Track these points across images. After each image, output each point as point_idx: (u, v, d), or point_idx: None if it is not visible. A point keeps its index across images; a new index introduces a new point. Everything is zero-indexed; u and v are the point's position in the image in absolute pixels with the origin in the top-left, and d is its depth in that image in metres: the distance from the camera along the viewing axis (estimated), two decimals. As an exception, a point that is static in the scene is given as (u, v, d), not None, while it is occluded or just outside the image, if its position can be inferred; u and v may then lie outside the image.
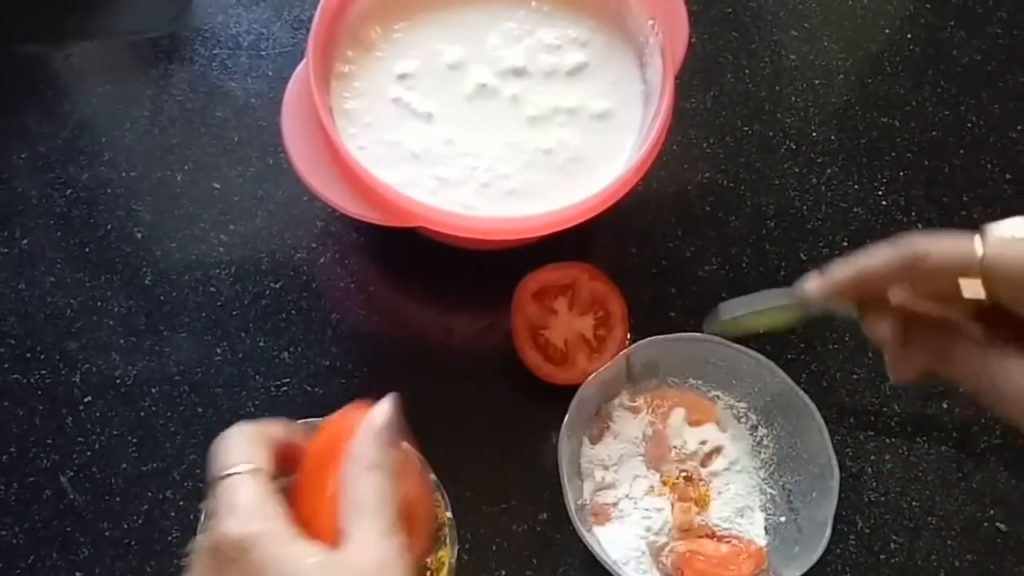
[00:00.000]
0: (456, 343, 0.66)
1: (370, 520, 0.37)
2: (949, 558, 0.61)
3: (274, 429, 0.42)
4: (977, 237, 0.39)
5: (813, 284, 0.45)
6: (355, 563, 0.36)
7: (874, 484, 0.63)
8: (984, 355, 0.41)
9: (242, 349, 0.64)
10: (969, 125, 0.75)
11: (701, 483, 0.62)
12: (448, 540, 0.54)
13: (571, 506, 0.57)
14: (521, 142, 0.64)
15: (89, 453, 0.61)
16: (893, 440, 0.64)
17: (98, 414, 0.62)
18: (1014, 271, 0.39)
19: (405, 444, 0.41)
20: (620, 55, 0.66)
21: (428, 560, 0.56)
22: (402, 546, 0.37)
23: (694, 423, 0.63)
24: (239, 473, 0.38)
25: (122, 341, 0.64)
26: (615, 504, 0.60)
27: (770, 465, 0.63)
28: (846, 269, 0.44)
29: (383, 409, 0.41)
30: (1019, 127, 0.75)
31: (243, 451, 0.39)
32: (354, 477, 0.39)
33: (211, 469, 0.39)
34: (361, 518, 0.37)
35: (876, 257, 0.42)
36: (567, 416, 0.59)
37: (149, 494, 0.60)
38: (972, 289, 0.40)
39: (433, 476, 0.55)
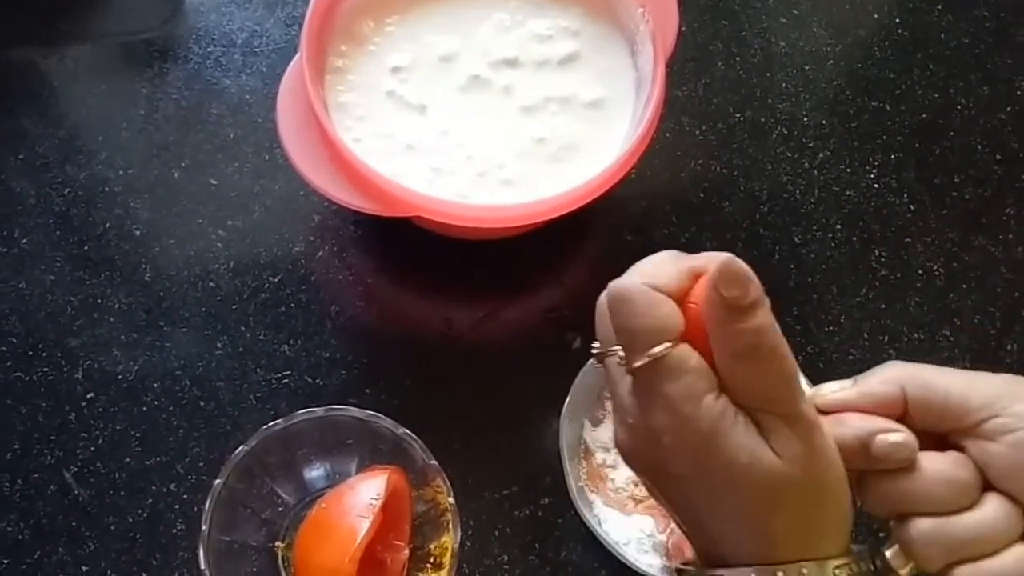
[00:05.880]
0: (455, 332, 0.66)
1: (773, 407, 0.38)
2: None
3: (659, 277, 0.39)
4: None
5: None
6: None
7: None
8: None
9: (242, 343, 0.65)
10: (959, 107, 0.76)
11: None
12: (451, 526, 0.55)
13: (573, 489, 0.57)
14: (515, 132, 0.64)
15: (92, 449, 0.62)
16: (889, 419, 0.65)
17: (100, 410, 0.62)
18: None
19: None
20: (611, 44, 0.67)
21: (431, 546, 0.57)
22: (810, 415, 0.38)
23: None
24: (664, 354, 0.37)
25: (123, 337, 0.65)
26: (616, 486, 0.61)
27: (768, 447, 0.63)
28: None
29: (722, 272, 0.37)
30: (1008, 108, 0.76)
31: (651, 322, 0.37)
32: (730, 369, 0.38)
33: (624, 336, 0.38)
34: (764, 405, 0.38)
35: None
36: (567, 399, 0.59)
37: (153, 488, 0.61)
38: None
39: (435, 462, 0.56)
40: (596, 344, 0.41)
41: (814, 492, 0.38)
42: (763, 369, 0.37)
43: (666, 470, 0.39)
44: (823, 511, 0.39)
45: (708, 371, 0.38)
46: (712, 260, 0.38)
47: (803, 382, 0.43)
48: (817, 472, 0.38)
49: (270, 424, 0.56)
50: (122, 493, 0.60)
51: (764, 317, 0.37)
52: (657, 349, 0.37)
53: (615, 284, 0.39)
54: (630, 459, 0.42)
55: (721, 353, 0.37)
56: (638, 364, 0.38)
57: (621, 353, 0.39)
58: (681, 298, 0.39)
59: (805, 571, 0.37)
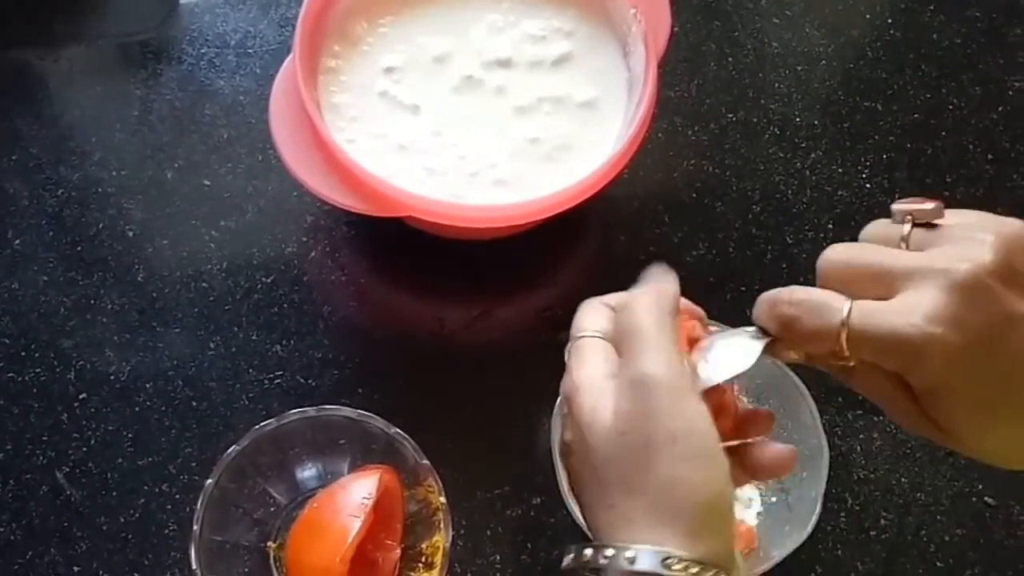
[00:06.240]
0: (447, 332, 0.66)
1: (624, 360, 0.40)
2: (939, 533, 0.62)
3: (614, 297, 0.45)
4: (846, 304, 0.39)
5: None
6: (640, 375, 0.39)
7: (863, 462, 0.64)
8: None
9: (235, 343, 0.65)
10: (950, 107, 0.76)
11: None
12: (442, 525, 0.55)
13: (564, 489, 0.57)
14: (507, 132, 0.64)
15: (85, 449, 0.62)
16: (881, 418, 0.65)
17: (93, 410, 0.63)
18: (874, 342, 0.38)
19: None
20: (604, 44, 0.67)
21: (423, 546, 0.57)
22: (654, 373, 0.39)
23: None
24: (584, 337, 0.43)
25: (115, 338, 0.65)
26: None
27: (761, 447, 0.63)
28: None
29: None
30: (999, 108, 0.76)
31: (590, 319, 0.44)
32: (631, 307, 0.42)
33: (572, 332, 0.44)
34: (634, 341, 0.40)
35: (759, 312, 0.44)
36: (559, 398, 0.59)
37: (145, 488, 0.61)
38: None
39: (426, 462, 0.56)
40: None
41: (637, 449, 0.38)
42: (624, 318, 0.42)
43: (566, 445, 0.42)
44: (658, 480, 0.37)
45: (608, 359, 0.42)
46: None
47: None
48: (643, 426, 0.38)
49: (262, 424, 0.56)
50: (114, 493, 0.61)
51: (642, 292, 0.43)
52: (577, 334, 0.43)
53: None
54: (564, 457, 0.44)
55: None
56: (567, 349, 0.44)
57: None
58: None
59: (628, 555, 0.36)
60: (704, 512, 0.37)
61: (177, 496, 0.61)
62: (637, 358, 0.39)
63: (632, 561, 0.36)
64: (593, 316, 0.44)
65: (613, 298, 0.45)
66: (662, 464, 0.38)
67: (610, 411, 0.39)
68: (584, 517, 0.42)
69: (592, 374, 0.41)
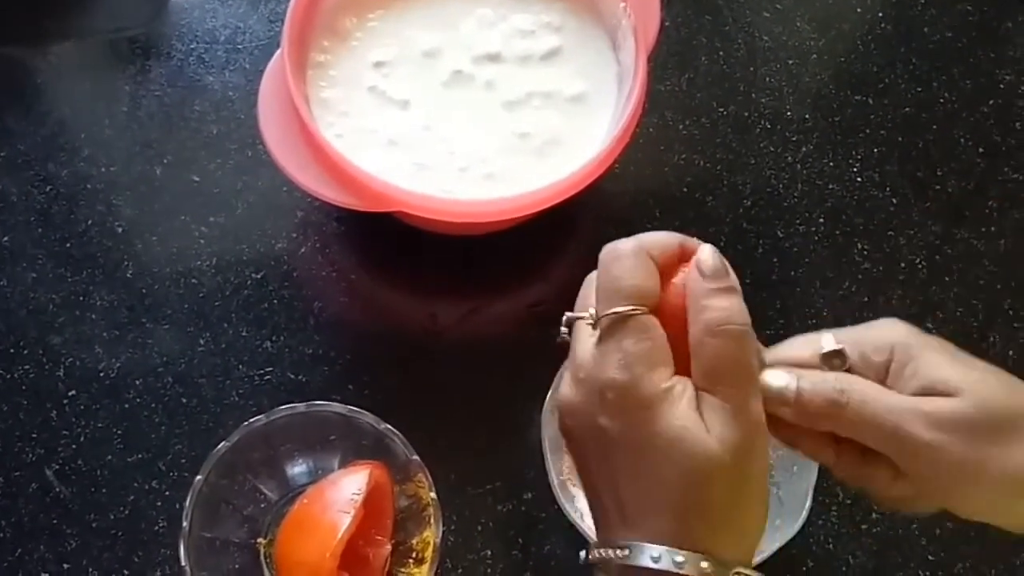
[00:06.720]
0: (439, 328, 0.66)
1: (725, 391, 0.38)
2: (930, 526, 0.62)
3: (654, 242, 0.41)
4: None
5: None
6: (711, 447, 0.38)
7: (855, 456, 0.64)
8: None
9: (225, 339, 0.65)
10: (941, 101, 0.76)
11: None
12: (433, 521, 0.55)
13: (555, 483, 0.57)
14: (497, 126, 0.64)
15: (74, 446, 0.61)
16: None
17: (82, 407, 0.62)
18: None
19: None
20: (593, 38, 0.67)
21: (413, 541, 0.57)
22: (758, 415, 0.39)
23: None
24: (639, 315, 0.39)
25: (105, 334, 0.64)
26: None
27: (753, 441, 0.63)
28: None
29: (708, 256, 0.40)
30: (990, 102, 0.76)
31: (637, 275, 0.39)
32: (700, 341, 0.39)
33: (603, 290, 0.40)
34: (717, 386, 0.38)
35: None
36: (550, 392, 0.59)
37: (135, 485, 0.60)
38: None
39: (416, 457, 0.56)
40: (568, 313, 0.43)
41: (738, 483, 0.38)
42: (730, 349, 0.38)
43: (600, 429, 0.40)
44: (741, 510, 0.39)
45: (668, 351, 0.39)
46: (701, 244, 0.41)
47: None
48: (745, 465, 0.38)
49: (252, 420, 0.56)
50: (104, 490, 0.60)
51: (740, 305, 0.39)
52: (631, 307, 0.39)
53: (613, 243, 0.41)
54: (567, 418, 0.42)
55: (696, 325, 0.39)
56: (609, 314, 0.39)
57: (592, 312, 0.40)
58: (666, 272, 0.41)
59: (704, 566, 0.37)
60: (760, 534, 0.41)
61: (167, 493, 0.60)
62: (750, 398, 0.39)
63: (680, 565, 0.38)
64: (641, 271, 0.39)
65: (651, 242, 0.41)
66: (750, 499, 0.39)
67: (706, 435, 0.38)
68: (606, 506, 0.41)
69: (664, 376, 0.39)
